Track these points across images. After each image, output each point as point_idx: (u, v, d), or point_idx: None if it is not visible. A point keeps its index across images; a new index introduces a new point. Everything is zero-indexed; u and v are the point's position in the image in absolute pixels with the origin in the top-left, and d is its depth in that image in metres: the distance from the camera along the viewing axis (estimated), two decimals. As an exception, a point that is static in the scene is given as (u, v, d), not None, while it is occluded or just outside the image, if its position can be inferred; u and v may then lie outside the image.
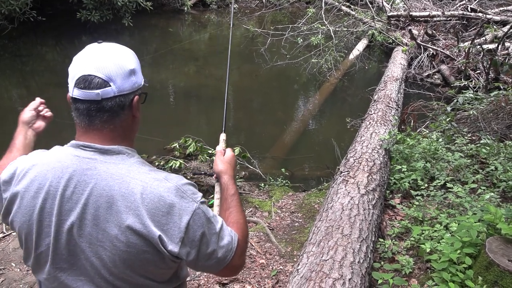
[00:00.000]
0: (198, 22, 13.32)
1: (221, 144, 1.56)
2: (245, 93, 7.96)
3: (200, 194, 1.04)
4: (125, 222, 0.95)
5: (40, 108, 1.43)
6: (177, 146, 5.04)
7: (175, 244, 0.96)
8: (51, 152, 1.07)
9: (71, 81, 1.00)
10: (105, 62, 0.99)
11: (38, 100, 1.44)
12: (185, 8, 13.08)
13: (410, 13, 9.35)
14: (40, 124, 1.42)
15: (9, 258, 3.19)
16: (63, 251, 1.01)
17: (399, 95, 5.85)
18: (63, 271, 1.02)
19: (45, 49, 9.81)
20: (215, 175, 1.37)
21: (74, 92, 0.99)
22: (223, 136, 1.64)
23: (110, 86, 0.98)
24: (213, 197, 1.45)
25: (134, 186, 0.97)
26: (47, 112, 1.44)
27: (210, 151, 4.96)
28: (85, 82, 0.98)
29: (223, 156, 1.40)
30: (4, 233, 3.49)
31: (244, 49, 9.87)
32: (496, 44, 6.61)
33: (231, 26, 2.05)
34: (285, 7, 13.11)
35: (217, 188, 1.39)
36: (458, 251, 2.35)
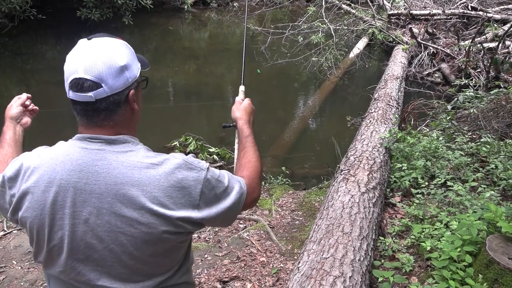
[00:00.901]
0: (198, 21, 13.31)
1: (240, 95, 1.67)
2: (245, 91, 7.95)
3: (204, 162, 1.10)
4: (144, 204, 0.98)
5: (27, 103, 1.43)
6: (178, 145, 5.05)
7: (195, 211, 1.02)
8: (57, 147, 1.08)
9: (66, 83, 1.02)
10: (94, 63, 0.98)
11: (25, 95, 1.43)
12: (185, 7, 13.07)
13: (411, 11, 9.34)
14: (27, 119, 1.42)
15: (10, 256, 3.19)
16: (79, 243, 1.01)
17: (399, 93, 5.85)
18: (80, 261, 1.03)
19: (45, 48, 9.81)
20: (235, 123, 1.48)
21: (69, 94, 1.02)
22: (242, 88, 1.75)
23: (102, 87, 0.99)
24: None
25: (146, 169, 1.00)
26: (34, 106, 1.45)
27: (210, 150, 4.96)
28: (77, 85, 0.99)
29: (240, 104, 1.52)
30: (5, 231, 3.50)
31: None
32: (497, 43, 6.61)
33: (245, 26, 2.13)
34: (285, 6, 13.10)
35: (236, 134, 1.50)
36: (459, 249, 2.36)
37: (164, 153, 1.08)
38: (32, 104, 1.45)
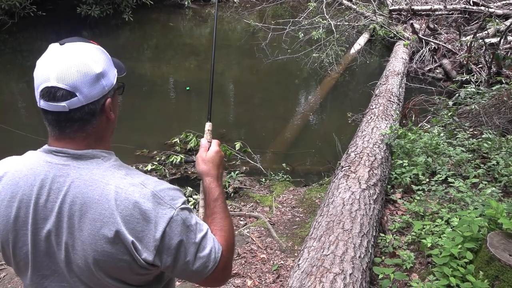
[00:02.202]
0: (199, 17, 13.27)
1: (206, 136, 1.40)
2: (246, 88, 7.94)
3: (181, 200, 0.98)
4: (99, 230, 0.91)
5: None
6: (178, 141, 5.04)
7: (149, 252, 0.92)
8: (23, 158, 1.02)
9: (36, 91, 0.94)
10: (68, 71, 0.91)
11: None
12: (186, 3, 13.03)
13: (412, 7, 9.30)
14: None
15: (11, 253, 3.20)
16: (43, 258, 0.98)
17: (400, 89, 5.83)
18: (46, 278, 1.00)
19: (45, 44, 9.60)
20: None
21: (40, 103, 0.94)
22: (208, 126, 1.45)
23: (76, 96, 0.92)
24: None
25: (108, 192, 0.93)
26: None
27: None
28: (49, 94, 0.91)
29: (206, 153, 1.25)
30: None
31: (245, 44, 9.85)
32: (499, 38, 6.58)
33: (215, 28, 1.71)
34: (286, 1, 13.04)
35: (202, 188, 1.23)
36: (459, 246, 2.35)
37: (139, 174, 1.00)
38: None
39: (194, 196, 3.95)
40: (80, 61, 0.93)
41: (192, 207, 3.01)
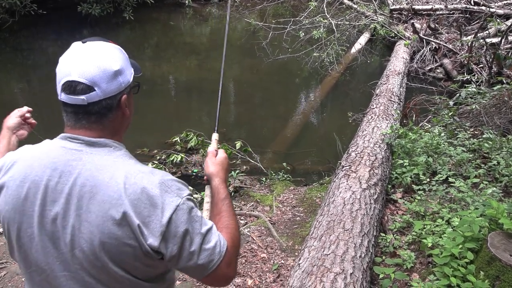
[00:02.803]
0: (199, 16, 13.27)
1: (213, 145, 1.48)
2: (247, 87, 7.93)
3: (187, 192, 1.02)
4: (107, 211, 0.94)
5: (27, 115, 1.43)
6: (179, 140, 5.04)
7: (155, 237, 0.94)
8: (40, 145, 1.07)
9: (58, 85, 1.00)
10: (88, 66, 0.97)
11: (25, 108, 1.44)
12: (186, 2, 13.02)
13: (413, 6, 9.29)
14: (23, 132, 1.42)
15: (11, 252, 3.20)
16: (47, 243, 0.99)
17: (401, 89, 5.82)
18: (48, 264, 1.01)
19: (46, 43, 9.79)
20: (206, 177, 1.31)
21: (61, 96, 1.00)
22: (215, 136, 1.56)
23: (94, 90, 0.98)
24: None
25: (118, 176, 0.97)
26: (32, 120, 1.45)
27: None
28: (70, 88, 0.98)
29: (215, 158, 1.33)
30: (6, 227, 3.50)
31: (245, 43, 9.84)
32: (500, 38, 6.57)
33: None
34: (287, 0, 13.03)
35: (207, 191, 1.33)
36: (460, 246, 2.35)
37: (146, 166, 1.04)
38: (31, 118, 1.44)
39: (195, 195, 3.95)
40: (100, 58, 0.99)
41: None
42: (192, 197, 1.03)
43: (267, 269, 2.95)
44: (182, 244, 0.97)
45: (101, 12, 10.40)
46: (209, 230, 1.02)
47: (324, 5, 9.06)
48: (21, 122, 1.41)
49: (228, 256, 1.04)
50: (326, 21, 8.66)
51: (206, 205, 1.32)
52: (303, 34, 8.70)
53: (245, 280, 2.84)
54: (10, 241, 1.05)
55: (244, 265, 2.99)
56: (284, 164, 4.73)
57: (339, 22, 8.91)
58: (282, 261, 3.03)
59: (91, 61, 0.98)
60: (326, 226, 2.77)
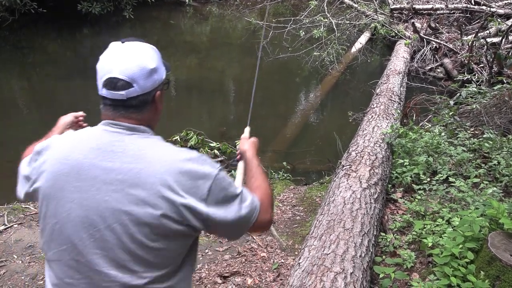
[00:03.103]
0: (200, 15, 13.25)
1: (246, 133, 1.82)
2: (247, 86, 7.93)
3: (219, 165, 1.13)
4: (152, 185, 1.02)
5: (81, 118, 1.63)
6: (179, 139, 5.04)
7: (202, 204, 1.04)
8: (83, 129, 1.18)
9: (99, 81, 1.09)
10: (128, 65, 1.07)
11: (81, 112, 1.65)
12: (187, 0, 13.01)
13: (413, 6, 9.28)
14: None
15: (11, 250, 3.19)
16: (84, 220, 1.04)
17: (401, 88, 5.82)
18: (82, 240, 1.04)
19: (46, 41, 9.78)
20: (238, 157, 1.60)
21: (102, 91, 1.09)
22: (248, 129, 1.90)
23: (133, 87, 1.07)
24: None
25: (160, 155, 1.07)
26: (84, 124, 1.62)
27: (211, 144, 4.95)
28: (111, 84, 1.07)
29: (248, 139, 1.60)
30: (6, 225, 3.50)
31: (246, 42, 9.83)
32: (500, 38, 6.56)
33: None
34: (287, -1, 13.03)
35: (240, 166, 1.58)
36: (460, 246, 2.35)
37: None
38: (83, 122, 1.64)
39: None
40: (138, 57, 1.09)
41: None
42: (223, 168, 1.15)
43: (267, 268, 2.95)
44: (225, 209, 1.08)
45: (101, 10, 10.38)
46: (242, 191, 1.15)
47: (325, 4, 9.05)
48: (74, 121, 1.60)
49: (264, 206, 1.19)
50: (326, 20, 8.65)
51: (239, 177, 1.54)
52: (303, 33, 8.68)
53: (245, 279, 2.83)
54: (46, 220, 1.10)
55: (244, 264, 2.99)
56: (284, 163, 4.73)
57: (339, 21, 8.90)
58: (282, 260, 3.03)
59: (131, 60, 1.08)
60: (326, 226, 2.77)
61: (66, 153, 1.09)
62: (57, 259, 1.09)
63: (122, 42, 1.12)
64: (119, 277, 1.04)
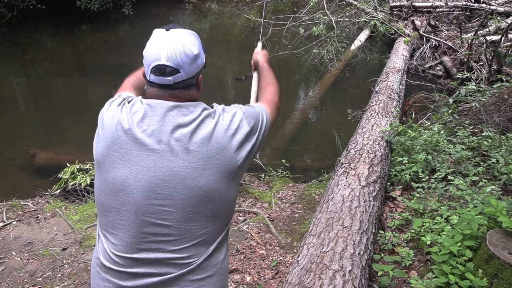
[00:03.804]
0: (199, 11, 13.22)
1: (259, 47, 1.95)
2: (246, 83, 7.91)
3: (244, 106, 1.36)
4: (212, 139, 1.16)
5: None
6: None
7: (247, 123, 1.26)
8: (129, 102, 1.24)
9: (147, 67, 1.17)
10: (174, 52, 1.15)
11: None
12: (186, -3, 12.98)
13: (413, 3, 9.27)
14: None
15: (10, 247, 3.19)
16: (151, 179, 1.12)
17: (400, 86, 5.81)
18: (149, 199, 1.12)
19: (44, 38, 9.75)
20: (253, 67, 1.84)
21: (150, 77, 1.17)
22: (260, 44, 2.03)
23: (179, 72, 1.16)
24: None
25: (211, 116, 1.21)
26: None
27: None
28: (160, 70, 1.15)
29: (260, 51, 1.84)
30: (5, 222, 3.50)
31: (245, 39, 9.81)
32: (500, 36, 6.55)
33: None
34: (287, -3, 12.99)
35: (255, 77, 1.85)
36: (459, 244, 2.35)
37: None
38: None
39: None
40: (183, 44, 1.17)
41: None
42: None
43: (265, 266, 2.95)
44: (262, 127, 1.33)
45: (100, 7, 10.34)
46: (257, 106, 1.41)
47: (324, 2, 9.03)
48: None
49: (271, 108, 1.51)
50: (326, 17, 8.63)
51: (254, 88, 1.83)
52: (302, 30, 8.67)
53: (244, 276, 2.84)
54: (113, 179, 1.16)
55: (242, 261, 2.99)
56: (283, 160, 4.73)
57: (339, 19, 8.88)
58: (281, 258, 3.04)
59: (177, 47, 1.16)
60: (325, 223, 2.77)
61: (127, 121, 1.15)
62: (119, 219, 1.16)
63: (167, 30, 1.18)
64: (182, 233, 1.15)
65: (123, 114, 1.18)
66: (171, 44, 1.15)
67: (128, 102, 1.22)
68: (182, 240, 1.15)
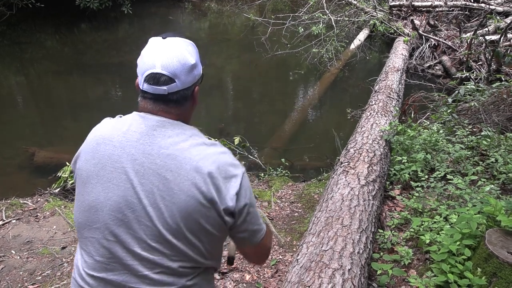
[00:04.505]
0: (198, 10, 13.22)
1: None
2: (245, 83, 7.92)
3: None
4: (188, 172, 1.05)
5: None
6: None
7: (230, 198, 1.07)
8: (122, 117, 1.19)
9: (141, 76, 1.11)
10: (170, 60, 1.09)
11: None
12: (185, -4, 12.97)
13: (412, 3, 9.27)
14: None
15: (9, 246, 3.19)
16: (120, 200, 1.07)
17: (400, 86, 5.82)
18: (116, 220, 1.07)
19: (44, 36, 9.74)
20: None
21: (144, 86, 1.11)
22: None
23: (175, 82, 1.10)
24: None
25: (197, 145, 1.10)
26: None
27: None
28: (154, 79, 1.09)
29: None
30: (4, 220, 3.50)
31: (244, 38, 9.81)
32: (499, 35, 6.56)
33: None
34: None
35: None
36: (458, 243, 2.36)
37: (214, 141, 1.19)
38: None
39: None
40: (180, 53, 1.11)
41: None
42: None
43: (265, 265, 2.95)
44: (248, 208, 1.12)
45: (99, 6, 10.33)
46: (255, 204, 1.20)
47: (324, 1, 9.03)
48: None
49: (268, 231, 1.25)
50: (325, 16, 8.63)
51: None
52: (302, 29, 8.67)
53: (243, 275, 2.84)
54: (82, 198, 1.12)
55: (242, 260, 2.99)
56: (283, 160, 4.73)
57: (338, 18, 8.88)
58: (280, 257, 3.04)
59: (173, 56, 1.09)
60: (325, 222, 2.77)
61: (108, 135, 1.12)
62: (90, 236, 1.12)
63: (163, 38, 1.14)
64: (150, 258, 1.07)
65: (107, 127, 1.15)
66: (167, 52, 1.10)
67: (121, 117, 1.18)
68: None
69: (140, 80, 1.12)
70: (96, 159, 1.10)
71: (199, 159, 1.07)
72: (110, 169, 1.08)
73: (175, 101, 1.12)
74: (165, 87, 1.09)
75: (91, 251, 1.12)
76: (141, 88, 1.13)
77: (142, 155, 1.07)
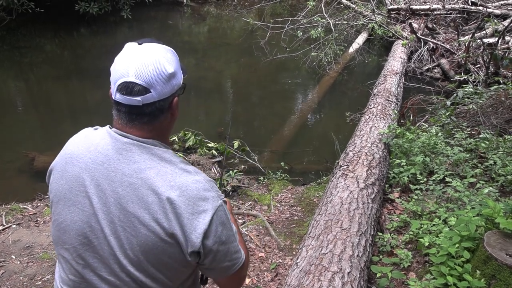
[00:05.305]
0: (197, 15, 13.25)
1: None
2: (244, 86, 7.93)
3: (222, 195, 1.06)
4: (149, 207, 0.96)
5: None
6: (176, 139, 5.04)
7: (196, 237, 0.97)
8: (94, 132, 1.10)
9: (113, 85, 1.01)
10: (145, 68, 0.98)
11: None
12: (184, 1, 13.01)
13: (411, 6, 9.31)
14: None
15: (9, 251, 3.19)
16: (84, 225, 1.01)
17: (398, 89, 5.84)
18: (83, 244, 1.03)
19: (43, 41, 9.75)
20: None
21: (116, 96, 1.01)
22: None
23: (150, 92, 0.99)
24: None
25: (164, 173, 0.99)
26: None
27: (209, 145, 4.96)
28: (127, 88, 0.99)
29: None
30: (4, 225, 3.50)
31: (243, 42, 9.84)
32: (497, 38, 6.59)
33: None
34: (285, 0, 13.03)
35: None
36: (457, 245, 2.36)
37: (190, 166, 1.07)
38: None
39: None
40: (156, 60, 1.00)
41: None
42: (225, 199, 1.09)
43: (265, 268, 2.96)
44: (218, 246, 1.01)
45: (98, 10, 10.36)
46: (235, 233, 1.08)
47: (322, 5, 9.07)
48: None
49: (246, 260, 1.13)
50: (324, 20, 8.67)
51: None
52: (301, 33, 8.70)
53: (243, 279, 2.84)
54: (54, 218, 1.08)
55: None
56: (282, 163, 4.74)
57: (337, 22, 8.92)
58: (280, 260, 3.05)
59: (148, 63, 0.99)
60: (324, 225, 2.78)
61: (76, 154, 1.05)
62: (62, 256, 1.09)
63: (139, 44, 1.03)
64: (117, 283, 1.03)
65: (78, 144, 1.08)
66: (142, 60, 0.99)
67: (96, 129, 1.10)
68: None
69: (112, 89, 1.02)
70: (64, 180, 1.04)
71: (164, 191, 0.96)
72: (76, 192, 1.02)
73: (149, 114, 1.02)
74: (139, 98, 0.98)
75: (65, 268, 1.09)
76: (113, 98, 1.02)
77: (105, 181, 0.99)
